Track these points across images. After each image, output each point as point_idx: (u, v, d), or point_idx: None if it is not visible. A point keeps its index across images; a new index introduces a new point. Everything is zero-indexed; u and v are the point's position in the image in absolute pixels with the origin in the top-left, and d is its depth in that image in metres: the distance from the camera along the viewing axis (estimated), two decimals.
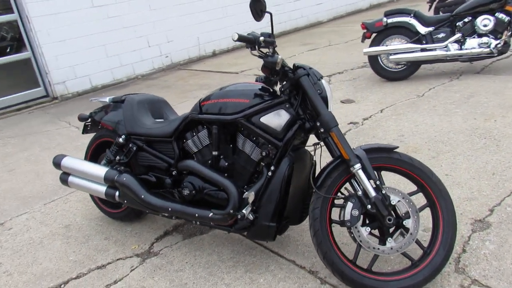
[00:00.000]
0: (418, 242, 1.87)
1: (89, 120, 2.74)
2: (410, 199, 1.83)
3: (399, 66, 4.89)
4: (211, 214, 2.02)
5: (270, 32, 1.90)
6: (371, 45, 4.90)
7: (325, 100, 1.92)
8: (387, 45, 4.82)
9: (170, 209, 2.20)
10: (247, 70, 6.74)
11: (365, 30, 4.89)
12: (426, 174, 1.87)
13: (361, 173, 1.81)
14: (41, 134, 5.01)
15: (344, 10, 10.90)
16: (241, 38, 1.80)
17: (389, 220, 1.78)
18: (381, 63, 4.93)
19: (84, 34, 6.60)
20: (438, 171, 2.78)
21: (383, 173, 1.94)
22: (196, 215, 2.11)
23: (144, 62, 7.48)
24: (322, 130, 1.88)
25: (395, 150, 1.91)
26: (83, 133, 2.81)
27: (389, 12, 4.82)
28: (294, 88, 1.97)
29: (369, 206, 1.80)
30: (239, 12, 8.61)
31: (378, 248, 1.82)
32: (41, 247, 2.64)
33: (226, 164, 2.15)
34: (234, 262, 2.23)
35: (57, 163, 2.59)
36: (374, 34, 4.89)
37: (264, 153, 1.99)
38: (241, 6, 8.55)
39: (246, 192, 1.94)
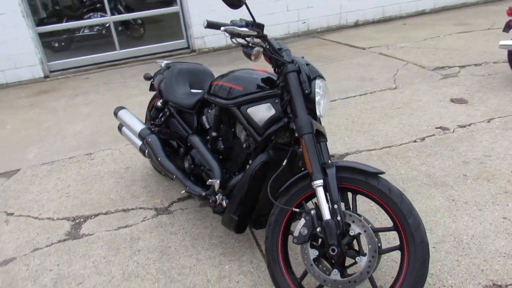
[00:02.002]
0: (373, 284, 1.61)
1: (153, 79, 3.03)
2: (373, 235, 1.56)
3: None
4: (183, 191, 2.10)
5: (255, 21, 1.77)
6: None
7: (312, 102, 1.73)
8: None
9: (175, 176, 2.36)
10: (376, 46, 6.21)
11: (510, 18, 3.95)
12: (401, 212, 1.55)
13: (320, 191, 1.61)
14: None
15: None
16: (210, 25, 1.73)
17: (333, 250, 1.57)
18: None
19: None
20: (498, 210, 2.23)
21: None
22: (187, 188, 2.22)
23: (279, 26, 7.57)
24: (296, 134, 1.72)
25: (378, 175, 1.63)
26: (149, 90, 3.13)
27: None
28: (287, 84, 1.82)
29: (318, 229, 1.61)
30: None
31: (320, 277, 1.63)
32: (100, 180, 3.15)
33: (223, 147, 2.16)
34: (219, 241, 2.29)
35: (115, 113, 2.98)
36: None
37: (245, 145, 1.93)
38: None
39: (210, 180, 1.94)
